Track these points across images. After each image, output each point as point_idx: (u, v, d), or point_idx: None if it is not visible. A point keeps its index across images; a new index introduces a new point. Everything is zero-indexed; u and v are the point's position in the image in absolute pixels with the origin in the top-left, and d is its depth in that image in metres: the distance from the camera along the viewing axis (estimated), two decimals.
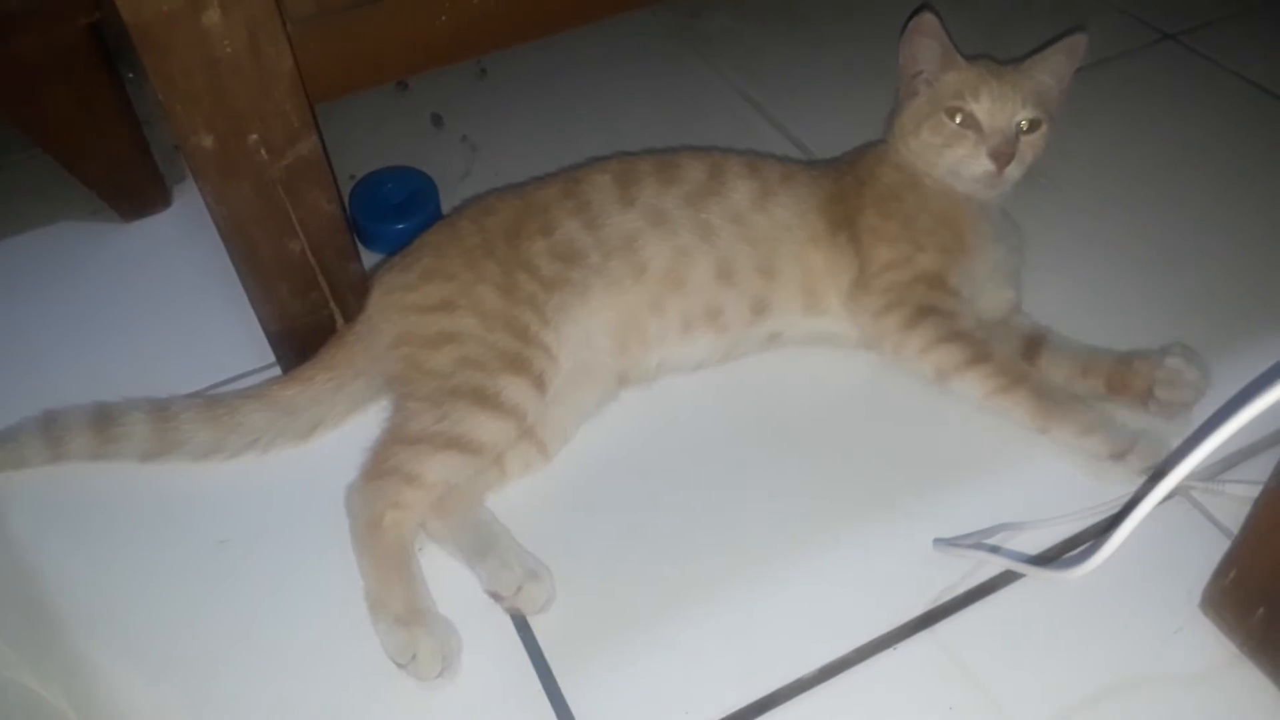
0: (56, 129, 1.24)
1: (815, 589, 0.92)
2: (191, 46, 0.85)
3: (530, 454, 1.02)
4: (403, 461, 0.94)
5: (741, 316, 1.07)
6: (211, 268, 1.14)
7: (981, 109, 1.06)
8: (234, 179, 0.94)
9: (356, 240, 1.12)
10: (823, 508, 0.98)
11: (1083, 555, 0.81)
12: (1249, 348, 1.08)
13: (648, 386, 1.09)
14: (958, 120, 1.07)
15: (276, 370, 1.11)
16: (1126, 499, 0.95)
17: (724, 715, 0.84)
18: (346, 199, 1.27)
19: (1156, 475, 0.96)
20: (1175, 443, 0.99)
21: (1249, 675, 0.84)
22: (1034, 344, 1.07)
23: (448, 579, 0.93)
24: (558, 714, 0.85)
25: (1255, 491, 0.81)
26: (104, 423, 1.00)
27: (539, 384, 0.99)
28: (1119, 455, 0.97)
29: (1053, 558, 0.92)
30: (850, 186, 1.12)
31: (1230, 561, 0.84)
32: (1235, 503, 0.93)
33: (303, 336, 1.07)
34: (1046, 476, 0.99)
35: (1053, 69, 1.09)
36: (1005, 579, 0.91)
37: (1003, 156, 1.05)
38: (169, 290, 1.25)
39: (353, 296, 1.07)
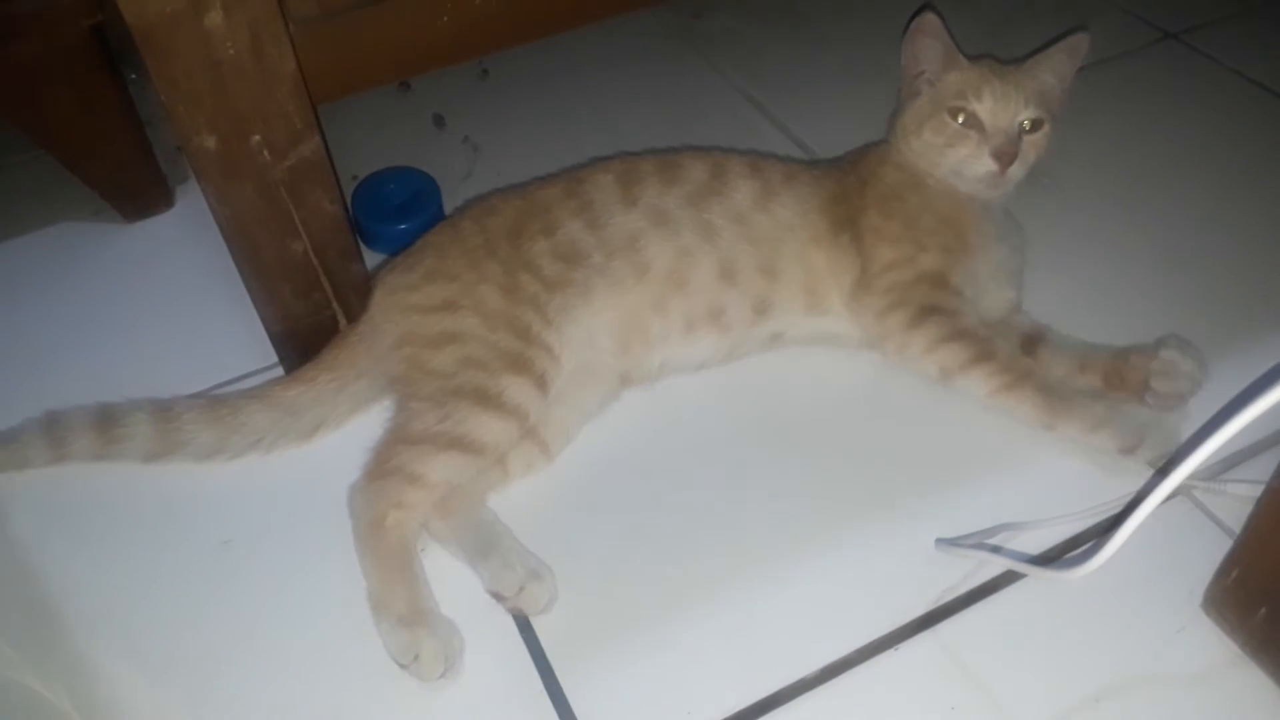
0: (59, 130, 1.24)
1: (817, 589, 0.92)
2: (194, 48, 0.85)
3: (533, 454, 1.02)
4: (405, 462, 0.94)
5: (743, 316, 1.08)
6: (214, 268, 1.14)
7: (984, 109, 1.06)
8: (236, 180, 0.94)
9: (359, 241, 1.12)
10: (824, 508, 0.98)
11: (1084, 555, 0.81)
12: (1251, 347, 1.08)
13: (650, 387, 1.09)
14: (960, 120, 1.07)
15: (279, 371, 1.11)
16: (1128, 499, 0.95)
17: (726, 715, 0.84)
18: (349, 199, 1.27)
19: (1159, 475, 0.97)
20: (1184, 431, 0.99)
21: (1251, 675, 0.84)
22: (1032, 342, 1.07)
23: (450, 579, 0.93)
24: (560, 714, 0.85)
25: (1257, 491, 0.81)
26: (107, 423, 1.01)
27: (541, 384, 0.99)
28: (1129, 450, 0.98)
29: (1054, 558, 0.92)
30: (853, 186, 1.12)
31: (1232, 561, 0.84)
32: (1237, 502, 0.93)
33: (305, 337, 1.07)
34: (1048, 476, 0.99)
35: (1055, 68, 1.09)
36: (1007, 579, 0.91)
37: (1005, 156, 1.05)
38: (171, 291, 1.25)
39: (355, 297, 1.07)
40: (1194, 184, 1.31)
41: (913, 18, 1.09)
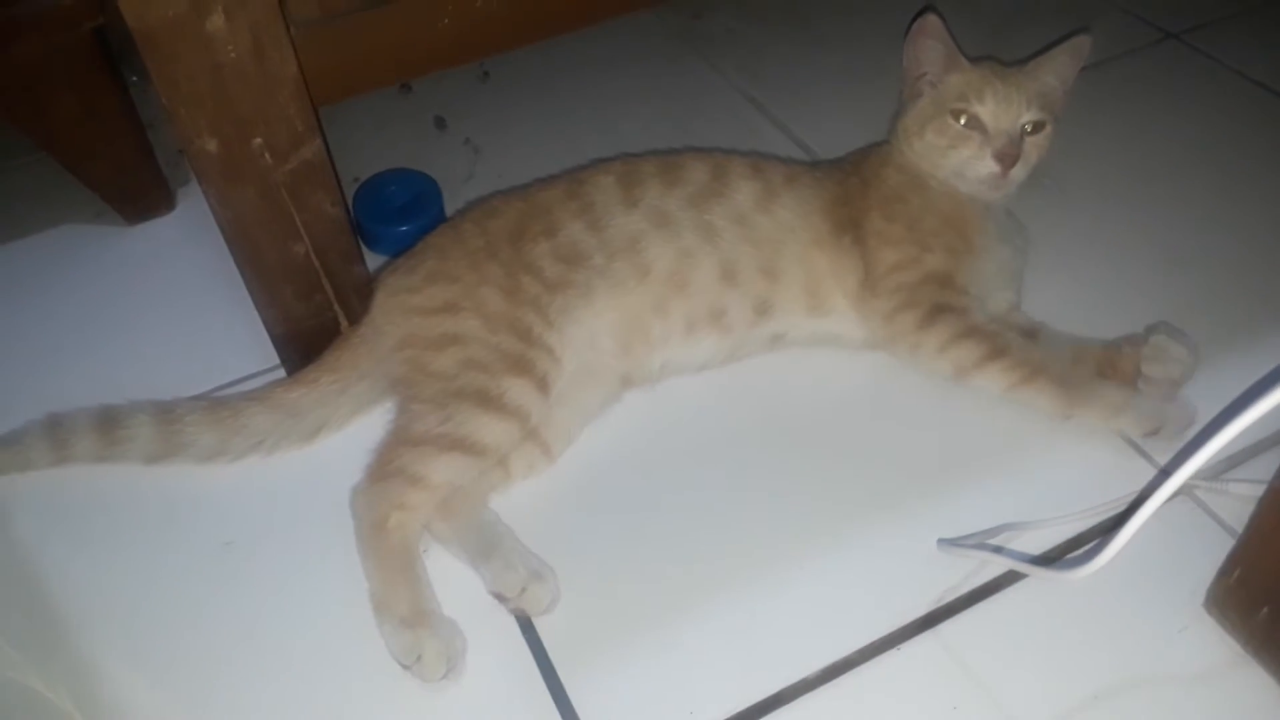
0: (60, 132, 1.24)
1: (818, 589, 0.92)
2: (196, 51, 0.85)
3: (534, 455, 1.02)
4: (407, 463, 0.94)
5: (745, 318, 1.08)
6: (216, 270, 1.15)
7: (986, 111, 1.06)
8: (238, 182, 0.94)
9: (360, 243, 1.12)
10: (826, 508, 0.98)
11: (1087, 555, 0.81)
12: (1252, 346, 1.08)
13: (651, 388, 1.09)
14: (962, 122, 1.07)
15: (281, 373, 1.11)
16: (1130, 498, 0.95)
17: (728, 715, 0.84)
18: (350, 201, 1.27)
19: (1161, 474, 0.97)
20: (1199, 410, 1.00)
21: (1253, 675, 0.84)
22: (1026, 338, 1.07)
23: (452, 580, 0.93)
24: (562, 715, 0.85)
25: (1259, 490, 0.81)
26: (109, 425, 1.01)
27: (542, 386, 0.99)
28: (1152, 432, 0.99)
29: (1056, 558, 0.92)
30: (855, 188, 1.12)
31: (1234, 561, 0.84)
32: (1239, 502, 0.93)
33: (307, 339, 1.07)
34: (1049, 476, 0.99)
35: (1057, 70, 1.09)
36: (1009, 579, 0.91)
37: (1008, 158, 1.05)
38: (173, 293, 1.25)
39: (357, 299, 1.07)
40: (1195, 184, 1.31)
41: (914, 19, 1.09)
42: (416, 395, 0.99)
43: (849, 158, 1.19)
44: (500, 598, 0.91)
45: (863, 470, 1.01)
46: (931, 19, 1.07)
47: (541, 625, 0.91)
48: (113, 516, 1.01)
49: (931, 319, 1.04)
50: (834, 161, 1.22)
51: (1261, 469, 0.92)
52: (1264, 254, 1.20)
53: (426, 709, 0.86)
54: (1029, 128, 1.07)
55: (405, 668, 0.86)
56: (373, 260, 1.19)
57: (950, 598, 0.90)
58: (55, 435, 1.01)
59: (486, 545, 0.93)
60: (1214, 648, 0.86)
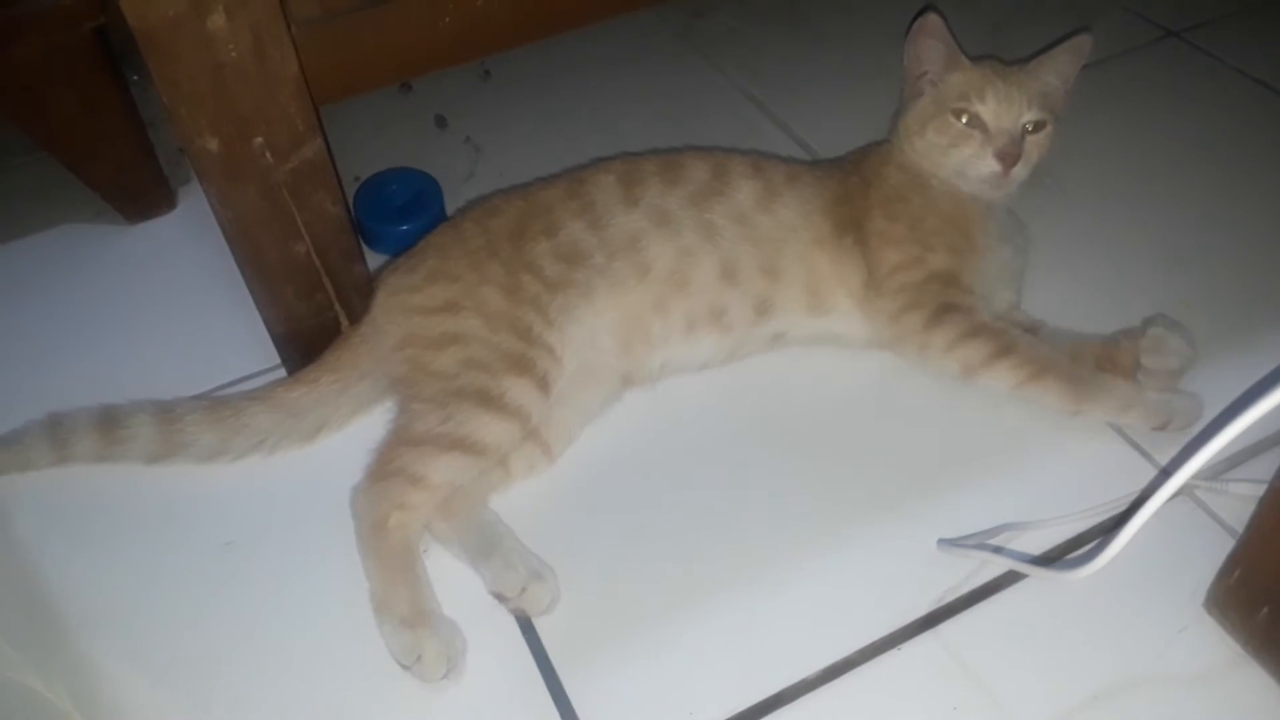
0: (61, 132, 1.24)
1: (819, 589, 0.92)
2: (196, 50, 0.85)
3: (534, 455, 1.02)
4: (408, 463, 0.94)
5: (745, 317, 1.08)
6: (216, 270, 1.15)
7: (987, 110, 1.06)
8: (239, 182, 0.94)
9: (361, 242, 1.12)
10: (826, 508, 0.98)
11: (1087, 556, 0.81)
12: (1253, 346, 1.08)
13: (652, 387, 1.09)
14: (964, 121, 1.07)
15: (281, 372, 1.12)
16: (1131, 498, 0.95)
17: (728, 715, 0.84)
18: (351, 201, 1.27)
19: (1162, 475, 0.97)
20: (1205, 401, 1.00)
21: (1253, 675, 0.84)
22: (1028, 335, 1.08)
23: (452, 580, 0.93)
24: (562, 715, 0.85)
25: (1260, 490, 0.81)
26: (109, 425, 1.01)
27: (543, 385, 0.99)
28: (1161, 426, 0.99)
29: (1056, 558, 0.92)
30: (856, 188, 1.12)
31: (1235, 561, 0.84)
32: (1240, 502, 0.93)
33: (308, 338, 1.07)
34: (1049, 476, 0.99)
35: (1058, 69, 1.09)
36: (1009, 579, 0.91)
37: (1009, 157, 1.05)
38: (174, 292, 1.25)
39: (357, 298, 1.07)
40: (1196, 182, 1.31)
41: (915, 18, 1.09)
42: (417, 395, 0.99)
43: (849, 157, 1.19)
44: (500, 598, 0.91)
45: (863, 470, 1.01)
46: (932, 18, 1.07)
47: (541, 625, 0.91)
48: (113, 516, 1.01)
49: (938, 318, 1.04)
50: (834, 161, 1.22)
51: (1262, 469, 0.92)
52: (1264, 253, 1.20)
53: (426, 709, 0.86)
54: (1030, 127, 1.07)
55: (405, 668, 0.86)
56: (373, 259, 1.19)
57: (950, 598, 0.90)
58: (55, 435, 1.01)
59: (487, 545, 0.93)
60: (1214, 648, 0.86)
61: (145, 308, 1.24)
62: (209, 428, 1.01)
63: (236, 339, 1.15)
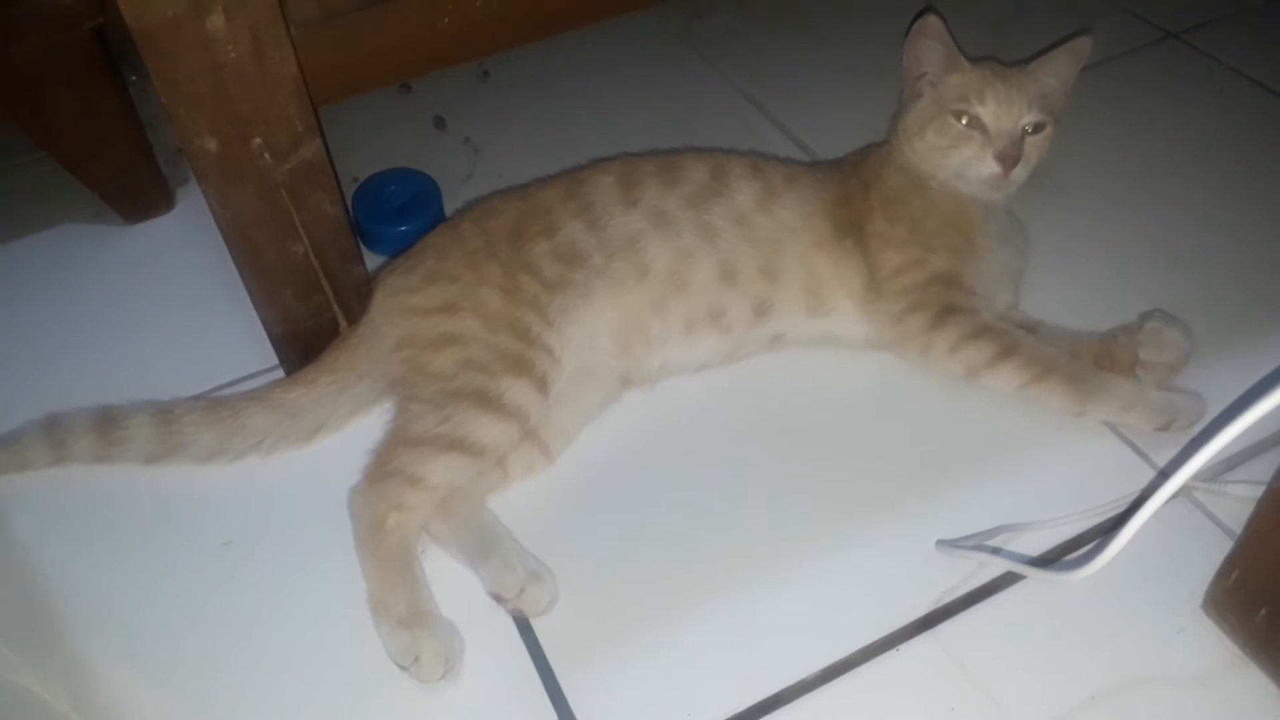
0: (60, 132, 1.24)
1: (817, 590, 0.92)
2: (195, 51, 0.85)
3: (533, 456, 1.02)
4: (406, 463, 0.94)
5: (744, 318, 1.07)
6: (215, 270, 1.14)
7: (987, 112, 1.06)
8: (237, 182, 0.94)
9: (359, 242, 1.12)
10: (825, 508, 0.98)
11: (1085, 557, 0.81)
12: (1253, 347, 1.08)
13: (650, 388, 1.09)
14: (964, 123, 1.07)
15: (279, 373, 1.11)
16: (1129, 499, 0.95)
17: (726, 716, 0.84)
18: (349, 201, 1.27)
19: (1160, 476, 0.97)
20: (1209, 401, 1.00)
21: (1251, 676, 0.84)
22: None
23: (450, 581, 0.93)
24: (560, 716, 0.85)
25: (1258, 492, 0.81)
26: (107, 425, 1.01)
27: (541, 386, 0.99)
28: (1164, 426, 0.99)
29: (1054, 559, 0.92)
30: (856, 190, 1.12)
31: (1233, 562, 0.84)
32: (1238, 503, 0.93)
33: (306, 339, 1.07)
34: (1048, 477, 0.99)
35: (1057, 71, 1.09)
36: (1007, 580, 0.91)
37: (1009, 159, 1.05)
38: (172, 293, 1.25)
39: (356, 299, 1.07)
40: (1195, 183, 1.31)
41: (914, 19, 1.09)
42: (415, 395, 0.99)
43: (849, 158, 1.19)
44: (498, 598, 0.91)
45: (861, 470, 1.01)
46: (932, 20, 1.07)
47: (539, 626, 0.91)
48: (111, 517, 1.01)
49: (941, 320, 1.04)
50: (833, 162, 1.22)
51: (1260, 470, 0.92)
52: (1264, 253, 1.20)
53: (424, 710, 0.86)
54: (1030, 129, 1.07)
55: (403, 668, 0.86)
56: (372, 260, 1.18)
57: (949, 599, 0.90)
58: (53, 435, 1.01)
59: (485, 546, 0.93)
60: (1212, 649, 0.86)
61: (143, 308, 1.23)
62: (207, 428, 1.01)
63: (234, 339, 1.15)
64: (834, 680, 0.86)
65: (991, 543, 0.93)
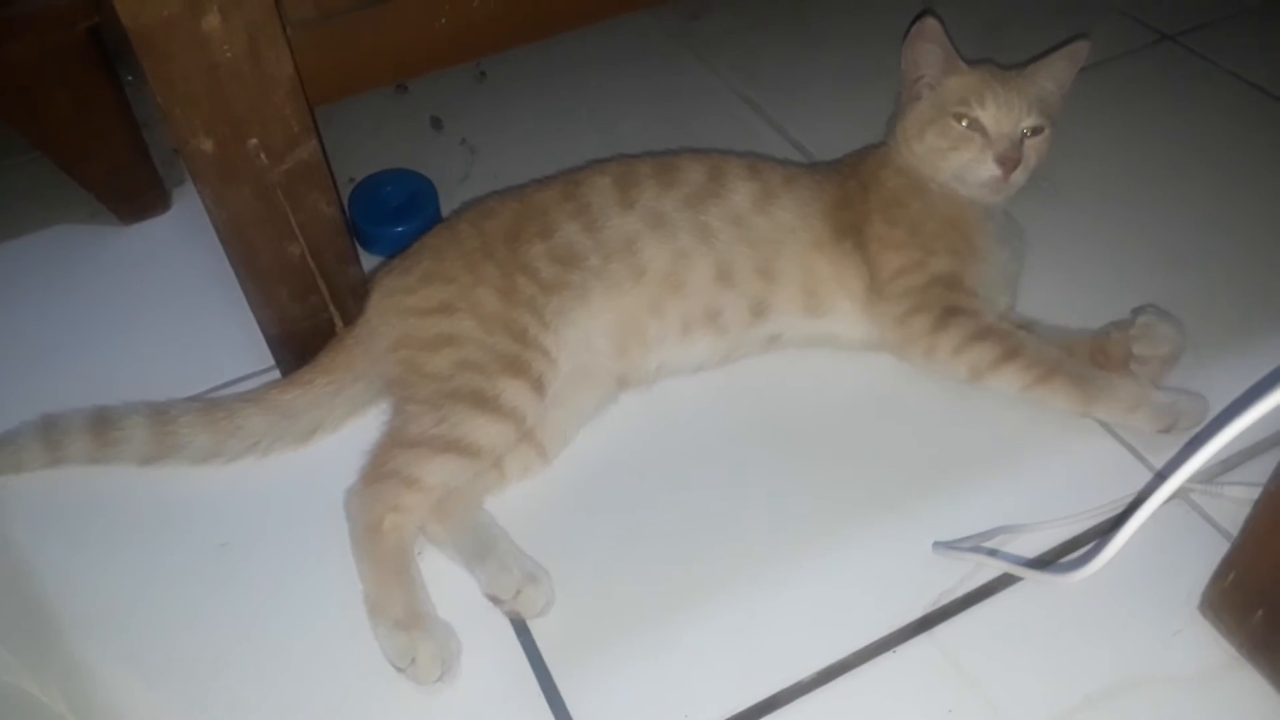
0: (55, 132, 1.24)
1: (815, 591, 0.92)
2: (191, 51, 0.85)
3: (529, 457, 1.02)
4: (402, 465, 0.94)
5: (740, 318, 1.07)
6: (211, 271, 1.14)
7: (987, 115, 1.06)
8: (233, 183, 0.94)
9: (356, 243, 1.12)
10: (822, 509, 0.98)
11: (1082, 559, 0.81)
12: (1251, 348, 1.08)
13: (647, 389, 1.09)
14: (964, 125, 1.07)
15: (276, 374, 1.11)
16: (1127, 501, 0.95)
17: (724, 718, 0.84)
18: (346, 202, 1.27)
19: (1157, 478, 0.97)
20: (1211, 401, 1.00)
21: (1248, 677, 0.84)
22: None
23: (447, 582, 0.93)
24: (556, 717, 0.85)
25: (1254, 494, 0.81)
26: (103, 426, 1.00)
27: (538, 387, 0.99)
28: (1167, 428, 0.99)
29: (1051, 560, 0.92)
30: (854, 192, 1.12)
31: (1229, 564, 0.84)
32: (1234, 505, 0.93)
33: (302, 340, 1.07)
34: (1046, 479, 0.99)
35: (1055, 75, 1.10)
36: (1004, 581, 0.91)
37: (1009, 162, 1.05)
38: (168, 293, 1.25)
39: (352, 300, 1.07)
40: (1192, 185, 1.31)
41: (913, 22, 1.09)
42: (411, 396, 0.99)
43: (846, 160, 1.19)
44: (495, 600, 0.91)
45: (859, 471, 1.01)
46: (931, 23, 1.07)
47: (536, 628, 0.91)
48: (107, 518, 1.01)
49: (944, 321, 1.04)
50: (831, 164, 1.21)
51: (1256, 472, 0.92)
52: (1261, 255, 1.20)
53: (421, 711, 0.86)
54: (1028, 132, 1.07)
55: (400, 670, 0.86)
56: (368, 261, 1.18)
57: (946, 600, 0.90)
58: (49, 436, 1.01)
59: (481, 547, 0.93)
60: (1209, 651, 0.86)
61: (140, 309, 1.23)
62: (203, 429, 1.01)
63: (231, 340, 1.15)
64: (831, 681, 0.86)
65: (989, 544, 0.93)
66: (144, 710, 0.87)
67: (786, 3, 1.70)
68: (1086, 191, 1.29)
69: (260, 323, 1.06)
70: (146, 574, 0.96)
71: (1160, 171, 1.33)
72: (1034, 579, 0.89)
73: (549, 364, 1.01)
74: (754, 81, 1.53)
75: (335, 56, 1.20)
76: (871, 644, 0.88)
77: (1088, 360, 1.05)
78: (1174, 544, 0.93)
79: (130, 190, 1.33)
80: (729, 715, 0.84)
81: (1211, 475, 0.97)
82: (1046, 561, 0.92)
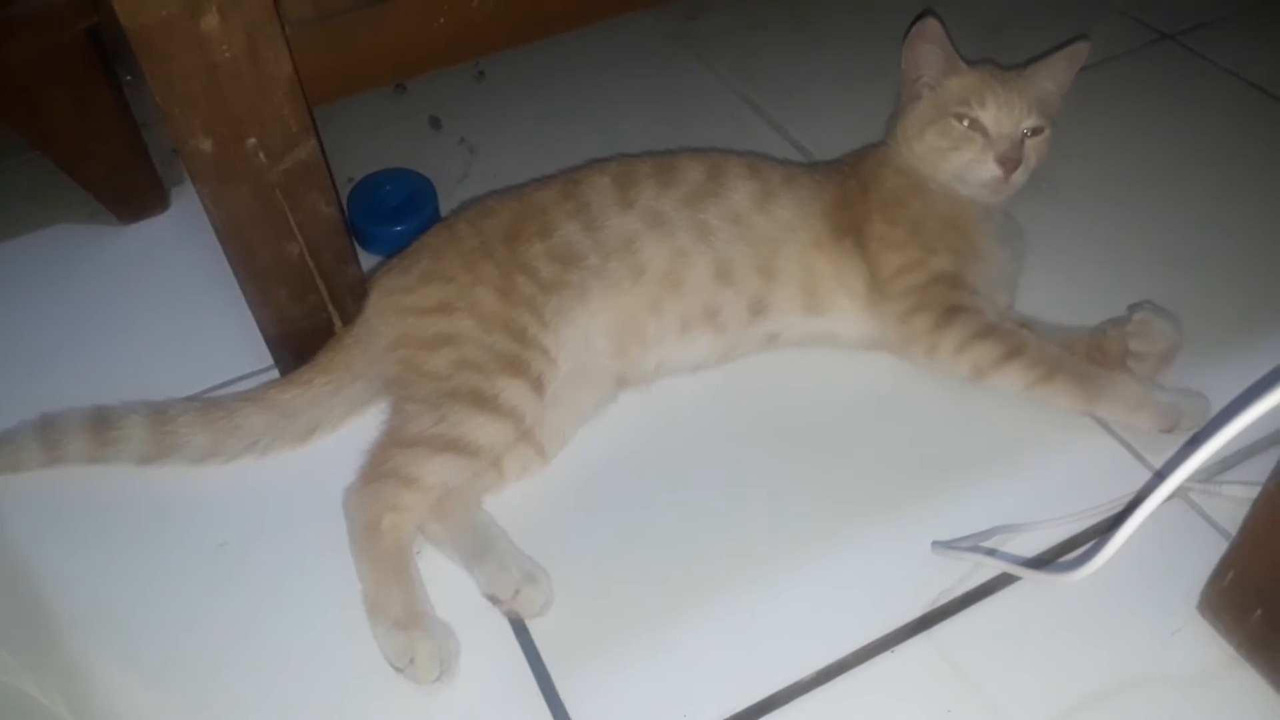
0: (54, 132, 1.24)
1: (813, 591, 0.92)
2: (190, 51, 0.85)
3: (528, 456, 1.02)
4: (401, 464, 0.94)
5: (739, 316, 1.07)
6: (209, 270, 1.14)
7: (988, 115, 1.06)
8: (232, 183, 0.94)
9: (354, 243, 1.12)
10: (821, 509, 0.98)
11: (1081, 559, 0.81)
12: (1249, 348, 1.08)
13: (646, 388, 1.09)
14: (965, 125, 1.07)
15: (274, 373, 1.11)
16: (1125, 500, 0.95)
17: (723, 718, 0.84)
18: (344, 201, 1.27)
19: (1156, 477, 0.97)
20: (1212, 402, 1.00)
21: (1247, 677, 0.84)
22: None
23: (446, 582, 0.93)
24: (555, 717, 0.85)
25: (1253, 493, 0.81)
26: (101, 426, 1.00)
27: (537, 386, 0.99)
28: (1169, 428, 0.99)
29: (1050, 560, 0.92)
30: (854, 191, 1.12)
31: (1228, 563, 0.84)
32: (1233, 504, 0.93)
33: (301, 339, 1.07)
34: (1044, 478, 0.99)
35: (1055, 76, 1.10)
36: (1003, 581, 0.91)
37: (1010, 162, 1.05)
38: (167, 293, 1.25)
39: (351, 299, 1.07)
40: (1192, 185, 1.31)
41: (913, 22, 1.09)
42: (410, 396, 0.99)
43: (845, 159, 1.19)
44: (494, 600, 0.91)
45: (858, 471, 1.01)
46: (931, 23, 1.07)
47: (535, 627, 0.91)
48: (105, 518, 1.01)
49: (947, 320, 1.04)
50: (830, 163, 1.21)
51: (1255, 471, 0.92)
52: (1260, 254, 1.20)
53: (420, 711, 0.86)
54: (1029, 132, 1.07)
55: (398, 670, 0.86)
56: (367, 260, 1.18)
57: (944, 600, 0.90)
58: (47, 436, 1.01)
59: (480, 547, 0.93)
60: (1207, 650, 0.86)
61: (138, 308, 1.23)
62: (201, 429, 1.01)
63: (229, 340, 1.15)
64: (830, 682, 0.86)
65: (987, 544, 0.93)
66: (143, 710, 0.87)
67: (785, 2, 1.69)
68: (1086, 191, 1.30)
69: (259, 322, 1.06)
70: (145, 574, 0.96)
71: (1159, 171, 1.33)
72: (1033, 578, 0.89)
73: (548, 363, 1.01)
74: (753, 81, 1.53)
75: (334, 56, 1.20)
76: (870, 644, 0.88)
77: (1085, 358, 1.05)
78: (1173, 543, 0.92)
79: (129, 190, 1.33)
80: (728, 715, 0.84)
81: (1210, 474, 0.97)
82: (1045, 561, 0.92)
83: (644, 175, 1.09)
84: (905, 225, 1.08)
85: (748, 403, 1.09)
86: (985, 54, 1.14)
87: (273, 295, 1.03)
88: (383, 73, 1.40)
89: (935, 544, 0.93)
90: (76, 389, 1.04)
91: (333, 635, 0.90)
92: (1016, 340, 1.02)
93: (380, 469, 0.95)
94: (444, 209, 1.28)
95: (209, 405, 1.02)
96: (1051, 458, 1.01)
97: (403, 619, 0.88)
